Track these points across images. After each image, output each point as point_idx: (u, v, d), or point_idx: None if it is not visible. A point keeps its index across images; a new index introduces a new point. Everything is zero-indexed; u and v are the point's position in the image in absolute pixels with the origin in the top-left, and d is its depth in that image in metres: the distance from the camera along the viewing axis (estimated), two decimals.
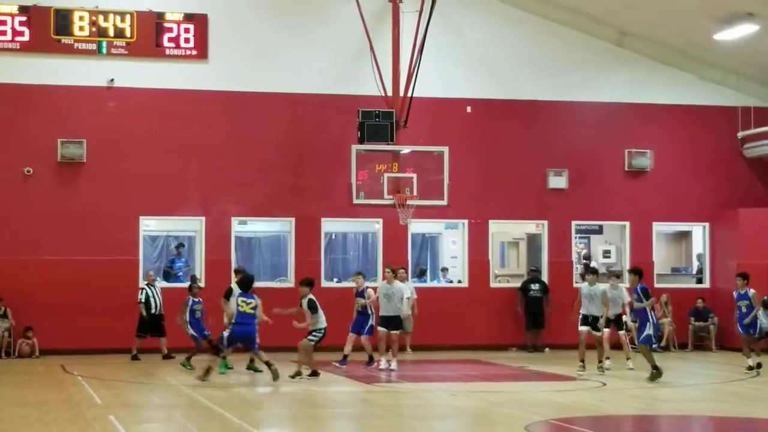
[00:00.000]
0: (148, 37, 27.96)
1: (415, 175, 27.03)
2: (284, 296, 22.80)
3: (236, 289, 21.90)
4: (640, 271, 22.34)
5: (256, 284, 22.39)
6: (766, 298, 25.43)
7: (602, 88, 30.31)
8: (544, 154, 29.87)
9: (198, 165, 28.19)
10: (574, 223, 30.32)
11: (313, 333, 21.52)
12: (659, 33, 29.98)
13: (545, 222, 30.19)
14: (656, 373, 21.29)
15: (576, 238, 30.84)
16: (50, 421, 15.84)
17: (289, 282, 27.89)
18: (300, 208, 28.61)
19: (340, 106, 28.36)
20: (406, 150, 27.70)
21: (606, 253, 32.18)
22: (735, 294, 24.05)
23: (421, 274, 30.77)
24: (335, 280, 29.91)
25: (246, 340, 21.08)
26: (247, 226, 30.31)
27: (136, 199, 27.82)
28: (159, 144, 27.98)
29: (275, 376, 20.64)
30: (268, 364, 20.88)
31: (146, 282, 26.64)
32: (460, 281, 30.06)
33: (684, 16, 28.26)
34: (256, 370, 22.15)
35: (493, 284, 30.06)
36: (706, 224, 30.85)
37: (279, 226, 30.26)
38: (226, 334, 21.27)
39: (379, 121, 27.49)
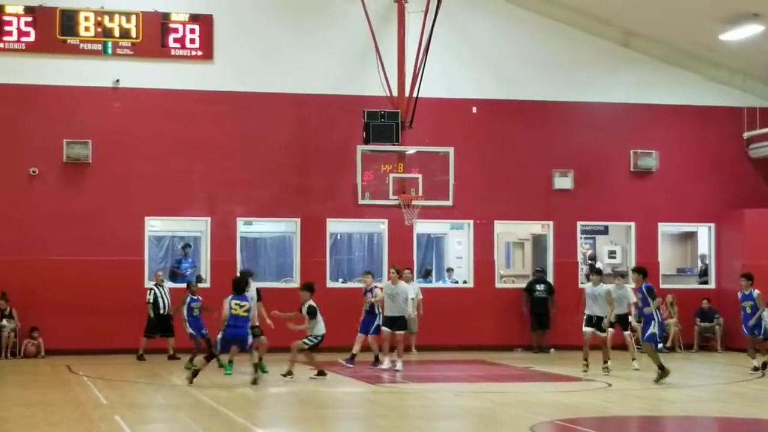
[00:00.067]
0: (154, 37, 27.98)
1: (420, 176, 27.06)
2: (289, 297, 22.78)
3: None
4: (644, 269, 22.24)
5: (262, 284, 22.43)
6: None
7: (608, 88, 30.29)
8: (549, 154, 29.86)
9: (203, 165, 28.21)
10: (579, 223, 30.31)
11: (309, 338, 21.48)
12: (665, 33, 29.95)
13: (551, 222, 30.18)
14: (662, 373, 21.21)
15: (581, 238, 30.81)
16: (56, 421, 15.85)
17: (295, 282, 27.85)
18: (305, 209, 28.62)
19: (345, 106, 28.36)
20: (411, 150, 27.72)
21: (611, 254, 32.15)
22: (739, 295, 24.02)
23: (426, 275, 30.75)
24: (340, 280, 29.92)
25: (239, 342, 20.93)
26: (252, 227, 30.31)
27: (141, 200, 27.84)
28: (164, 144, 28.00)
29: (254, 381, 20.55)
30: (255, 367, 20.82)
31: (154, 282, 26.63)
32: (465, 282, 30.05)
33: (690, 16, 28.24)
34: (263, 370, 22.13)
35: (499, 285, 30.04)
36: (712, 225, 30.83)
37: (284, 227, 30.25)
38: (219, 337, 21.19)
39: (384, 122, 27.50)
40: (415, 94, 27.92)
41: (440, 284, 30.41)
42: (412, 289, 25.04)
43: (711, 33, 28.25)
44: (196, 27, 28.22)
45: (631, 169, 30.35)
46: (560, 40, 29.97)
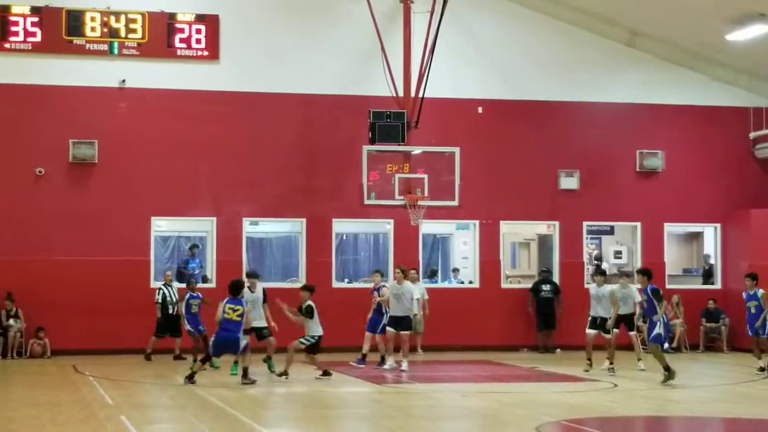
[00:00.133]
0: (160, 37, 28.00)
1: (426, 176, 27.05)
2: (295, 297, 22.74)
3: (247, 293, 21.90)
4: (649, 271, 22.04)
5: (268, 284, 22.43)
6: None
7: (613, 88, 30.28)
8: (555, 154, 29.85)
9: (209, 165, 28.23)
10: (585, 223, 30.29)
11: (306, 337, 21.47)
12: (671, 33, 29.94)
13: (556, 223, 30.17)
14: (669, 375, 21.10)
15: (587, 238, 30.82)
16: (62, 421, 15.87)
17: (300, 283, 27.78)
18: (311, 209, 28.63)
19: (351, 106, 28.37)
20: (417, 150, 27.71)
21: (617, 254, 32.14)
22: (744, 295, 24.00)
23: (432, 275, 30.75)
24: (346, 280, 29.94)
25: (231, 346, 20.81)
26: (258, 227, 30.34)
27: (147, 200, 27.86)
28: (170, 144, 28.02)
29: (245, 382, 20.54)
30: (245, 371, 20.75)
31: (163, 282, 26.64)
32: (471, 282, 30.04)
33: (695, 16, 28.22)
34: (271, 370, 22.08)
35: (504, 285, 30.03)
36: (718, 225, 30.81)
37: (290, 227, 30.28)
38: (212, 339, 21.14)
39: (390, 122, 27.50)
40: (420, 95, 27.93)
41: (446, 284, 30.40)
42: (417, 290, 25.04)
43: (717, 33, 28.22)
44: (202, 27, 28.24)
45: (637, 170, 30.34)
46: (566, 40, 29.96)
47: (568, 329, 28.08)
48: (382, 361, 24.13)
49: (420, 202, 26.94)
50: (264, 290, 22.91)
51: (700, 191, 30.50)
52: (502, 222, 29.79)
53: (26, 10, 27.41)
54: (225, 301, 20.90)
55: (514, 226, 30.76)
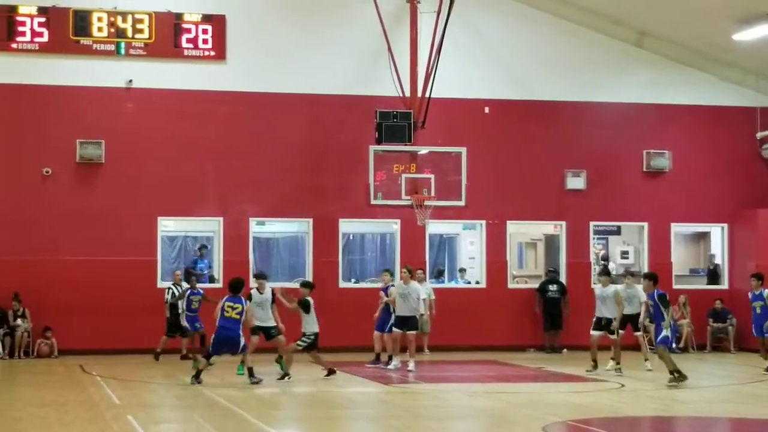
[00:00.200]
0: (167, 37, 28.02)
1: (432, 176, 27.02)
2: (300, 297, 22.73)
3: (255, 294, 21.92)
4: (655, 276, 21.73)
5: (274, 284, 22.43)
6: None
7: (621, 88, 30.25)
8: (562, 154, 29.83)
9: (216, 165, 28.24)
10: (592, 223, 30.28)
11: (303, 338, 21.46)
12: (678, 34, 29.91)
13: (563, 223, 30.15)
14: (678, 377, 20.86)
15: (594, 238, 30.79)
16: (69, 421, 15.89)
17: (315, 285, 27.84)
18: (318, 209, 28.63)
19: (357, 106, 28.37)
20: (423, 151, 27.70)
21: (624, 254, 32.13)
22: (750, 295, 23.98)
23: (438, 275, 30.74)
24: (353, 280, 29.94)
25: (230, 344, 20.82)
26: (265, 227, 30.34)
27: (154, 200, 27.88)
28: (177, 144, 28.04)
29: (253, 381, 20.54)
30: (250, 371, 20.78)
31: (173, 282, 26.62)
32: (477, 282, 30.03)
33: (703, 16, 28.20)
34: (283, 368, 22.04)
35: (511, 285, 30.03)
36: (725, 225, 30.78)
37: (297, 227, 30.28)
38: (212, 338, 21.14)
39: (396, 122, 27.49)
40: (427, 95, 27.92)
41: (453, 284, 30.39)
42: (424, 290, 25.05)
43: (724, 33, 28.20)
44: (209, 27, 28.26)
45: (644, 170, 30.31)
46: (573, 40, 29.94)
47: (575, 329, 28.02)
48: (389, 360, 24.13)
49: (427, 202, 26.91)
50: (272, 290, 22.90)
51: (707, 191, 30.47)
52: (508, 222, 29.79)
53: (33, 11, 27.44)
54: (224, 299, 20.93)
55: (521, 226, 30.75)
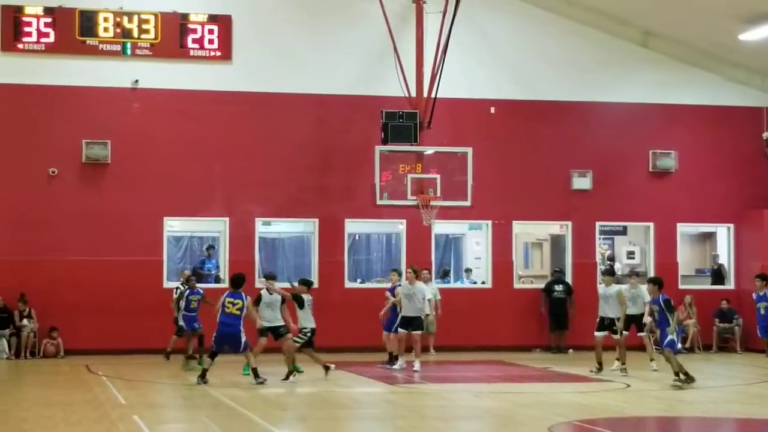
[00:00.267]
0: (173, 38, 28.04)
1: (438, 176, 27.06)
2: None
3: (265, 295, 21.91)
4: (660, 280, 21.48)
5: (280, 285, 22.42)
6: None
7: (626, 88, 30.23)
8: (568, 154, 29.82)
9: (222, 166, 28.25)
10: (598, 224, 30.26)
11: (300, 335, 21.46)
12: (684, 34, 29.89)
13: (569, 223, 30.13)
14: (680, 378, 20.83)
15: (600, 239, 30.76)
16: (75, 421, 15.92)
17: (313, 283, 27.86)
18: (324, 209, 28.64)
19: (363, 106, 28.37)
20: (429, 151, 27.72)
21: (630, 254, 32.13)
22: (754, 295, 23.96)
23: (444, 275, 30.75)
24: (359, 281, 29.93)
25: (231, 341, 20.78)
26: (270, 227, 30.34)
27: (160, 200, 27.89)
28: (183, 145, 28.05)
29: (256, 381, 20.57)
30: (255, 372, 20.73)
31: (180, 281, 26.59)
32: (483, 282, 30.02)
33: (709, 16, 28.18)
34: (298, 370, 22.01)
35: (517, 285, 30.00)
36: (731, 225, 30.75)
37: (303, 227, 30.27)
38: (214, 335, 21.12)
39: (402, 122, 27.51)
40: (433, 95, 27.92)
41: (458, 285, 30.39)
42: (429, 290, 25.05)
43: (730, 33, 28.19)
44: (215, 27, 28.27)
45: (650, 170, 30.29)
46: (579, 40, 29.93)
47: (581, 330, 28.01)
48: (395, 359, 24.12)
49: (432, 203, 26.95)
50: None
51: (713, 191, 30.45)
52: (514, 222, 29.77)
53: (39, 11, 27.47)
54: (225, 294, 20.92)
55: (527, 226, 30.73)
